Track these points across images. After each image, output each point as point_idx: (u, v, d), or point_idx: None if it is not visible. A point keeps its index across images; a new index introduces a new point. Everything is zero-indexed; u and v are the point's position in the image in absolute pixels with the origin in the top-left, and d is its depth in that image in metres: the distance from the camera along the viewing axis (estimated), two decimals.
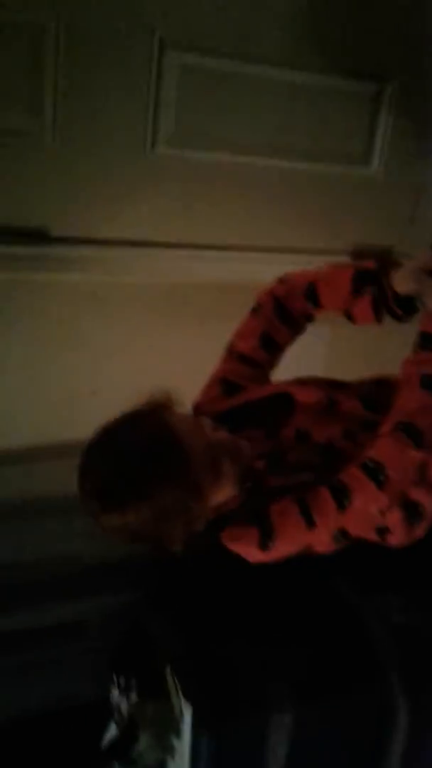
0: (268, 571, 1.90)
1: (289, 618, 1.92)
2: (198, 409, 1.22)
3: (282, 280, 1.24)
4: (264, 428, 1.16)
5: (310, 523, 1.03)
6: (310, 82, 1.89)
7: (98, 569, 1.91)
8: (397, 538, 1.15)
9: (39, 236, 1.69)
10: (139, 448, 1.00)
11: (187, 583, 1.97)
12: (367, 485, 0.99)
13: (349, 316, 1.17)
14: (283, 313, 1.22)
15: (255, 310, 1.24)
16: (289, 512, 1.04)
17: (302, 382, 1.23)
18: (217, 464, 1.04)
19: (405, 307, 1.09)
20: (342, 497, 1.01)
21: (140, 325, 1.89)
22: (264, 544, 1.06)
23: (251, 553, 1.09)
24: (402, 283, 1.08)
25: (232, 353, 1.25)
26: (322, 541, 1.06)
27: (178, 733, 1.71)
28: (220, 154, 1.85)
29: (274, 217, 1.96)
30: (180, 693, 1.73)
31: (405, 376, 1.04)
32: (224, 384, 1.24)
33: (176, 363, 1.90)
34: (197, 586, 1.97)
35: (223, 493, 1.07)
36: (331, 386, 1.22)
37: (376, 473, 0.99)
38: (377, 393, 1.22)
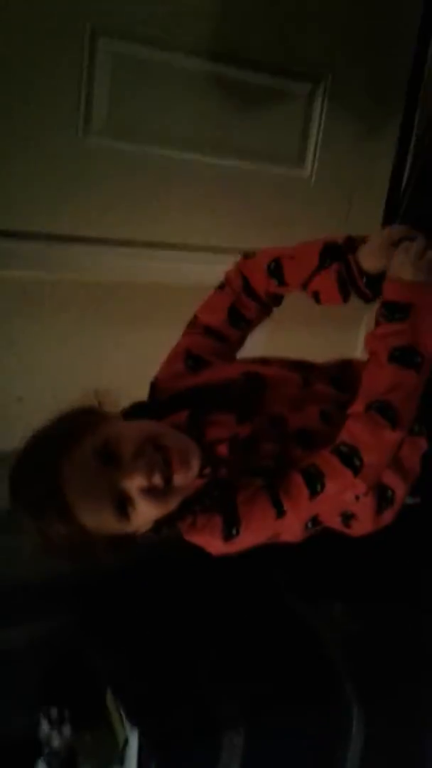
0: (208, 583, 1.83)
1: (234, 631, 1.84)
2: (158, 385, 1.12)
3: (248, 255, 1.16)
4: (234, 412, 1.06)
5: (280, 512, 0.96)
6: (243, 78, 1.86)
7: (23, 592, 1.76)
8: (363, 526, 1.10)
9: None
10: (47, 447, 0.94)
11: (122, 603, 1.85)
12: (343, 472, 0.94)
13: (315, 296, 1.09)
14: (250, 290, 1.14)
15: (221, 287, 1.16)
16: (258, 500, 0.97)
17: (269, 362, 1.16)
18: (125, 501, 0.94)
19: (373, 287, 1.03)
20: (315, 483, 0.95)
21: (73, 327, 1.78)
22: (228, 534, 0.98)
23: (213, 543, 1.00)
24: (369, 259, 1.02)
25: (197, 326, 1.15)
26: (292, 530, 1.00)
27: (122, 761, 1.59)
28: (153, 147, 1.78)
29: (209, 215, 1.90)
30: (124, 718, 1.61)
31: (371, 351, 0.98)
32: (188, 358, 1.13)
33: (110, 367, 1.81)
34: (133, 604, 1.85)
35: (144, 520, 0.97)
36: (300, 366, 1.15)
37: (351, 459, 0.94)
38: (344, 373, 1.17)
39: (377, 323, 0.99)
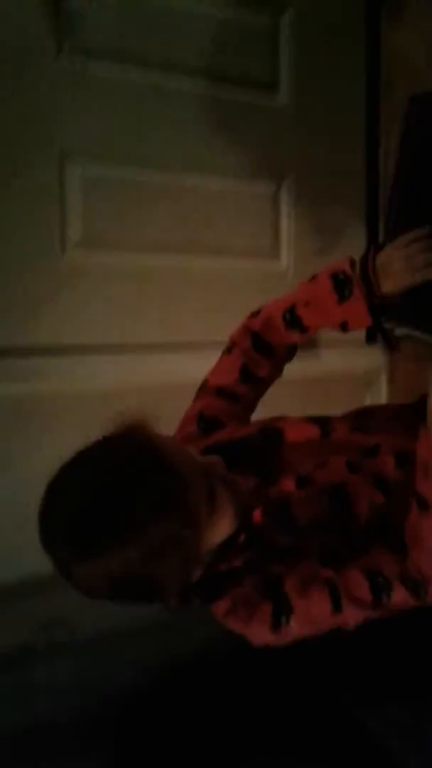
0: (257, 687, 1.69)
1: (293, 739, 1.67)
2: None
3: (255, 314, 1.15)
4: (255, 474, 1.01)
5: (337, 609, 0.90)
6: (210, 185, 1.95)
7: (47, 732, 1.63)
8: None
9: None
10: (118, 472, 0.82)
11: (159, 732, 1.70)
12: (408, 595, 0.91)
13: (343, 326, 1.07)
14: (263, 347, 1.12)
15: (229, 350, 1.14)
16: (315, 591, 0.91)
17: (284, 418, 1.11)
18: (212, 490, 0.88)
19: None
20: (380, 592, 0.90)
21: (68, 438, 1.75)
22: (277, 623, 0.90)
23: (258, 632, 0.92)
24: (389, 282, 1.02)
25: (208, 389, 1.13)
26: (346, 624, 0.93)
27: None
28: (129, 255, 1.85)
29: (189, 313, 1.93)
30: None
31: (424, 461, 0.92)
32: (201, 420, 1.10)
33: None
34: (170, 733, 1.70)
35: (220, 530, 0.90)
36: (316, 419, 1.10)
37: (417, 588, 0.90)
38: (363, 419, 1.13)
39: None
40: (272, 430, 1.06)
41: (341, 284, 1.04)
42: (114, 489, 0.81)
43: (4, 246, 1.67)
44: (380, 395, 2.19)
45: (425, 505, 0.89)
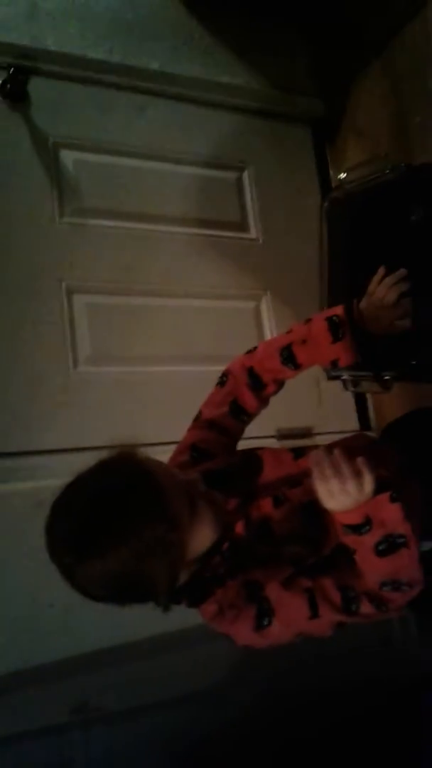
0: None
1: None
2: None
3: (251, 352, 1.29)
4: (236, 495, 1.15)
5: (315, 615, 1.03)
6: (197, 304, 2.28)
7: None
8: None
9: None
10: (113, 488, 0.97)
11: None
12: (374, 610, 1.06)
13: (333, 363, 1.24)
14: (255, 383, 1.25)
15: (222, 382, 1.27)
16: (295, 597, 1.03)
17: (263, 448, 1.25)
18: (193, 501, 1.02)
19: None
20: (350, 604, 1.04)
21: None
22: (260, 624, 1.02)
23: (242, 632, 1.04)
24: (375, 324, 1.21)
25: (201, 421, 1.25)
26: (321, 630, 1.07)
27: None
28: (133, 366, 2.12)
29: (183, 414, 2.15)
30: None
31: (360, 559, 1.06)
32: (194, 451, 1.22)
33: None
34: None
35: (202, 536, 1.05)
36: (290, 449, 1.25)
37: (380, 606, 1.05)
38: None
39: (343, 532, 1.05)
40: (253, 458, 1.22)
41: (335, 326, 1.21)
42: (109, 501, 0.95)
43: (25, 363, 1.97)
44: None
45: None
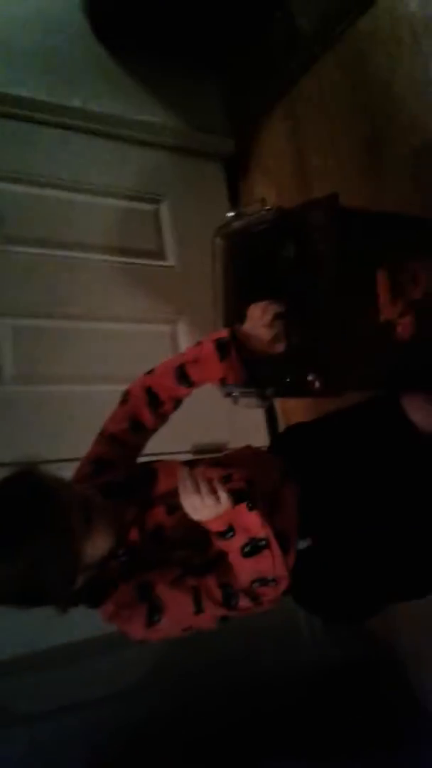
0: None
1: None
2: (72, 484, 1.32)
3: (150, 372, 1.40)
4: (135, 502, 1.28)
5: (199, 610, 1.18)
6: (117, 328, 2.44)
7: None
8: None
9: None
10: (10, 501, 1.10)
11: None
12: (250, 603, 1.21)
13: (222, 381, 1.39)
14: (153, 400, 1.37)
15: (124, 401, 1.39)
16: (181, 595, 1.17)
17: (159, 461, 1.38)
18: (89, 514, 1.15)
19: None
20: (230, 599, 1.20)
21: None
22: (151, 620, 1.16)
23: (136, 629, 1.18)
24: (256, 343, 1.36)
25: (104, 436, 1.37)
26: (206, 624, 1.22)
27: None
28: (54, 385, 2.26)
29: None
30: None
31: (232, 561, 1.21)
32: (96, 464, 1.34)
33: None
34: None
35: (98, 545, 1.18)
36: (184, 462, 1.37)
37: (256, 598, 1.22)
38: (225, 458, 1.46)
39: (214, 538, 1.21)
40: (149, 470, 1.36)
41: (222, 347, 1.35)
42: (6, 514, 1.09)
43: None
44: None
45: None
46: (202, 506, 1.14)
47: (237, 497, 1.16)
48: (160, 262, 2.67)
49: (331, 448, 1.48)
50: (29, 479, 1.15)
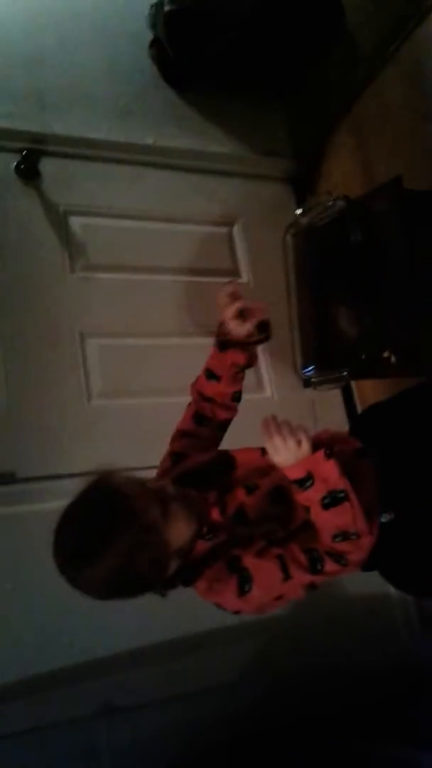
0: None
1: None
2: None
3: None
4: (214, 488, 1.35)
5: (287, 577, 1.23)
6: (194, 342, 2.53)
7: None
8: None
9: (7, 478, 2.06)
10: (86, 509, 1.21)
11: None
12: (335, 565, 1.25)
13: (233, 366, 1.48)
14: (204, 397, 1.51)
15: (189, 403, 1.55)
16: (269, 563, 1.23)
17: (237, 450, 1.45)
18: (165, 504, 1.23)
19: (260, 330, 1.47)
20: (316, 563, 1.24)
21: None
22: (242, 590, 1.22)
23: (229, 599, 1.24)
24: (234, 333, 1.45)
25: (176, 434, 1.51)
26: (294, 592, 1.27)
27: None
28: (140, 398, 2.36)
29: None
30: None
31: (313, 515, 1.24)
32: (173, 457, 1.46)
33: None
34: None
35: (178, 531, 1.24)
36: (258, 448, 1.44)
37: (339, 559, 1.25)
38: None
39: (295, 490, 1.25)
40: (226, 456, 1.44)
41: (219, 343, 1.48)
42: (88, 519, 1.19)
43: (46, 398, 2.23)
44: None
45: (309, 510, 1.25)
46: (284, 447, 1.19)
47: (316, 447, 1.21)
48: (236, 280, 2.75)
49: (409, 422, 1.49)
50: (102, 485, 1.23)
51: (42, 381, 2.26)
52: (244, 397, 2.50)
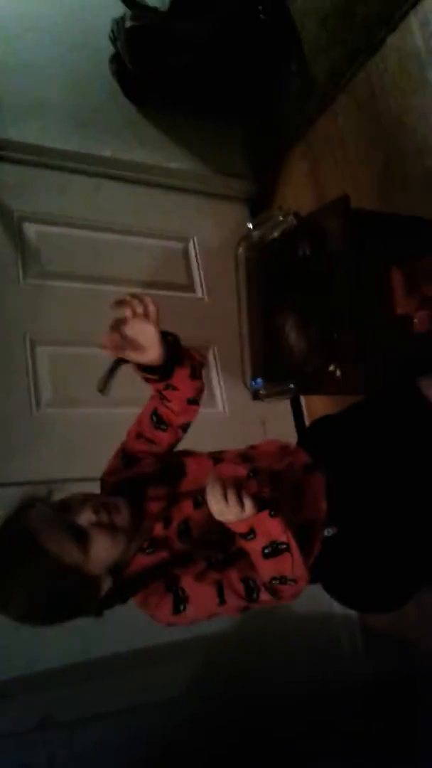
0: None
1: None
2: (102, 478, 1.42)
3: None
4: (162, 499, 1.34)
5: (222, 602, 1.24)
6: None
7: None
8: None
9: None
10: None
11: None
12: (270, 597, 1.25)
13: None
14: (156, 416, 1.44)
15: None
16: (206, 587, 1.24)
17: (189, 452, 1.44)
18: (83, 536, 1.20)
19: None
20: (252, 593, 1.25)
21: None
22: (177, 609, 1.22)
23: (163, 615, 1.24)
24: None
25: (131, 432, 1.45)
26: (229, 612, 1.27)
27: None
28: (90, 409, 2.35)
29: None
30: None
31: (253, 559, 1.24)
32: (123, 457, 1.42)
33: None
34: None
35: (102, 557, 1.23)
36: (211, 453, 1.45)
37: (276, 593, 1.25)
38: (248, 454, 1.49)
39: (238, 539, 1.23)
40: (177, 464, 1.41)
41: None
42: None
43: None
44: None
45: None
46: (228, 511, 1.16)
47: (261, 504, 1.18)
48: (190, 295, 2.78)
49: (356, 436, 1.52)
50: (12, 522, 1.23)
51: None
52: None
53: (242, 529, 1.19)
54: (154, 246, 2.80)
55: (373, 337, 1.55)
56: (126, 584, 1.28)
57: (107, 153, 2.76)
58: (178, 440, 1.47)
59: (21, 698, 1.87)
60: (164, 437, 1.44)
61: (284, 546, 1.20)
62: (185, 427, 1.46)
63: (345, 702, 2.07)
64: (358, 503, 1.44)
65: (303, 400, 2.76)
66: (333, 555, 1.39)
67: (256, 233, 1.69)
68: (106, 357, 1.34)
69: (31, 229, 2.53)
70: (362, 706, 2.05)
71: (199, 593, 1.23)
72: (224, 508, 1.16)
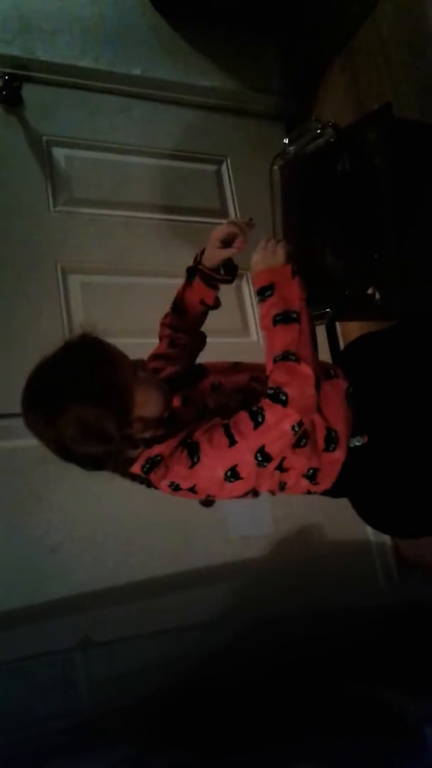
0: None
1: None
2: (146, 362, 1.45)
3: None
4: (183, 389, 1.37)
5: (232, 442, 1.21)
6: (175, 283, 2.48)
7: None
8: (325, 474, 1.34)
9: None
10: (66, 357, 1.24)
11: None
12: (275, 406, 1.19)
13: (203, 303, 1.50)
14: (176, 328, 1.58)
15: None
16: (213, 432, 1.23)
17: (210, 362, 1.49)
18: (137, 372, 1.27)
19: (227, 270, 1.47)
20: (257, 416, 1.20)
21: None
22: (192, 462, 1.22)
23: (181, 473, 1.24)
24: (208, 260, 1.45)
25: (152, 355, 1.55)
26: (245, 460, 1.22)
27: None
28: (122, 338, 2.31)
29: None
30: None
31: (263, 328, 1.29)
32: (155, 358, 1.52)
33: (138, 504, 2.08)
34: None
35: (147, 403, 1.26)
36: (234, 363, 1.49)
37: (277, 395, 1.19)
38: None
39: (259, 306, 1.31)
40: (199, 367, 1.46)
41: (188, 273, 1.52)
42: (61, 367, 1.23)
43: (25, 335, 2.18)
44: None
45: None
46: (263, 247, 1.30)
47: (289, 257, 1.29)
48: (223, 220, 2.68)
49: (396, 351, 1.46)
50: (82, 339, 1.31)
51: (21, 315, 2.21)
52: (229, 340, 2.53)
53: (262, 282, 1.27)
54: (186, 169, 2.69)
55: (415, 257, 1.47)
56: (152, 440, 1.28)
57: (137, 71, 2.64)
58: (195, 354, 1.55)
59: (61, 619, 1.93)
60: (178, 354, 1.53)
61: (295, 316, 1.24)
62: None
63: (378, 629, 2.09)
64: (390, 415, 1.40)
65: (339, 327, 2.68)
66: (361, 466, 1.37)
67: (291, 149, 1.59)
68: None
69: (60, 154, 2.46)
70: (394, 633, 2.07)
71: (209, 438, 1.22)
72: (263, 243, 1.31)
